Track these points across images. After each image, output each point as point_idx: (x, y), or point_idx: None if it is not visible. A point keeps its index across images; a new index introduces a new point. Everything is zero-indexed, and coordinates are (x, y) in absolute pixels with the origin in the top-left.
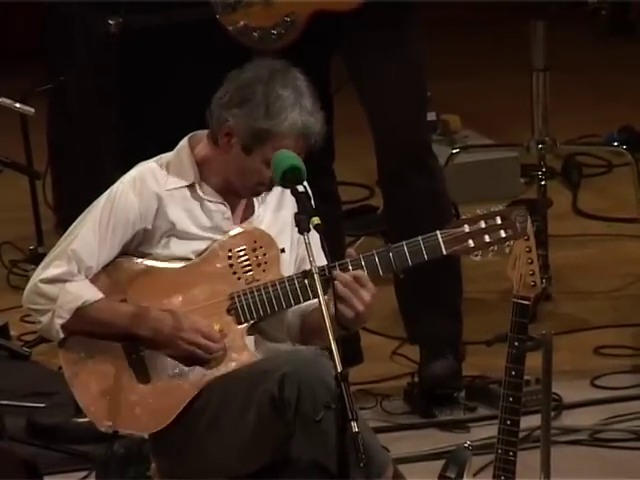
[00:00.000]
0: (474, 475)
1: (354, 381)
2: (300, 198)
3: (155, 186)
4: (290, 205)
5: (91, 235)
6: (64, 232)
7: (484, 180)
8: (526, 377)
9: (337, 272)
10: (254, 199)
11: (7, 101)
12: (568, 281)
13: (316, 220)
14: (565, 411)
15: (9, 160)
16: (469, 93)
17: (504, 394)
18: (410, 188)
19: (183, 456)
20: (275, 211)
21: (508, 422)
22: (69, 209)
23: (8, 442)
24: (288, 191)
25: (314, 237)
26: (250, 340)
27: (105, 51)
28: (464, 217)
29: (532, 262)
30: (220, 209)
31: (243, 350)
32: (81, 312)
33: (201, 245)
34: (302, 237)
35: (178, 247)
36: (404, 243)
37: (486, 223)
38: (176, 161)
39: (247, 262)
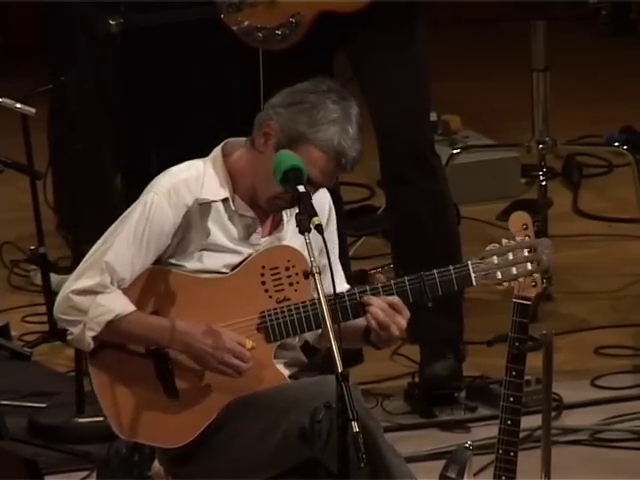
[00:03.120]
0: (475, 475)
1: (355, 381)
2: (301, 198)
3: (189, 198)
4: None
5: (125, 247)
6: (65, 232)
7: (485, 180)
8: (527, 377)
9: (373, 297)
10: (282, 213)
11: (8, 101)
12: (569, 281)
13: (317, 220)
14: (565, 411)
15: (10, 160)
16: (470, 93)
17: (505, 394)
18: (413, 188)
19: (192, 464)
20: None
21: (509, 422)
22: (70, 209)
23: (9, 442)
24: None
25: (332, 233)
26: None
27: (106, 51)
28: (492, 248)
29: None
30: (250, 223)
31: (270, 369)
32: (112, 325)
33: (232, 258)
34: (324, 249)
35: (210, 260)
36: (435, 272)
37: (514, 255)
38: (210, 172)
39: (279, 281)
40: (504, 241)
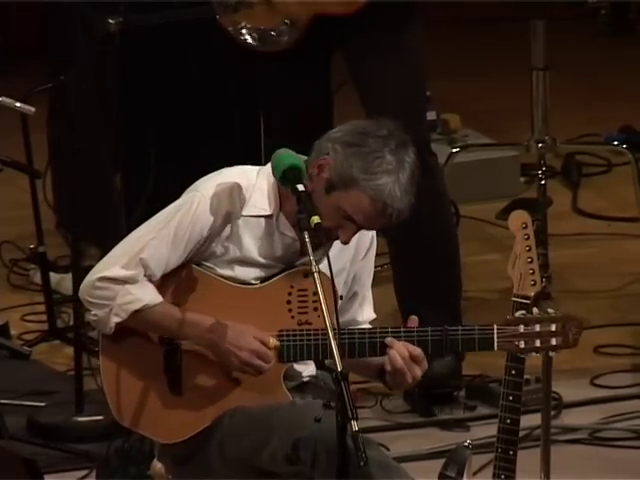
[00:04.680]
0: (474, 474)
1: (354, 380)
2: (300, 197)
3: (235, 208)
4: (353, 242)
5: (164, 245)
6: (64, 231)
7: (484, 179)
8: (526, 376)
9: (396, 342)
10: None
11: (7, 100)
12: (568, 280)
13: (316, 219)
14: (565, 410)
15: (9, 159)
16: (469, 92)
17: (504, 393)
18: None
19: (192, 463)
20: (339, 251)
21: (508, 421)
22: (69, 209)
23: (8, 441)
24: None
25: (369, 261)
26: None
27: (105, 51)
28: (521, 316)
29: (532, 261)
30: (290, 243)
31: (277, 387)
32: (139, 314)
33: (264, 273)
34: (357, 274)
35: (241, 271)
36: (460, 328)
37: (541, 327)
38: (261, 185)
39: (305, 304)
40: (535, 310)
